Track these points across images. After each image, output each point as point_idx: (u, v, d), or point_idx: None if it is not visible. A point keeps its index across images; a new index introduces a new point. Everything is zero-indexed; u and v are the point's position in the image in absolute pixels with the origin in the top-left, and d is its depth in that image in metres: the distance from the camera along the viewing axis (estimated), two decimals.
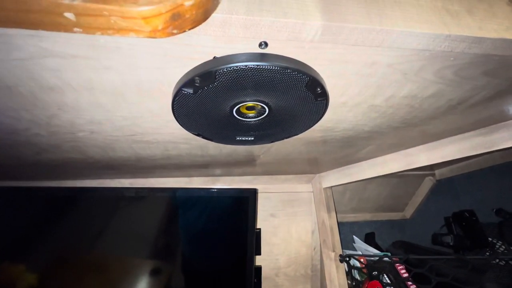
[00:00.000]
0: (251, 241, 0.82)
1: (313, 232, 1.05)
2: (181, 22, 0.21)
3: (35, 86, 0.34)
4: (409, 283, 0.88)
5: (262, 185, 1.03)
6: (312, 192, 1.07)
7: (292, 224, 1.05)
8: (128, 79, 0.33)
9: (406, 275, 0.89)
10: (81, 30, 0.19)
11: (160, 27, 0.20)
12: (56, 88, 0.34)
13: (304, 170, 0.99)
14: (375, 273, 0.87)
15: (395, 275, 0.90)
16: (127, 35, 0.20)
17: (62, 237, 0.80)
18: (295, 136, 0.52)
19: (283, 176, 1.06)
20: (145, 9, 0.19)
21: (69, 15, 0.18)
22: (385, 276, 0.90)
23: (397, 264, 0.91)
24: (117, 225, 0.82)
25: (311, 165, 0.93)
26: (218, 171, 0.92)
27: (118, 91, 0.35)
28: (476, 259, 0.84)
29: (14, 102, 0.37)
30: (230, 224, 0.84)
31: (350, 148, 0.71)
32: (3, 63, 0.29)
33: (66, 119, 0.42)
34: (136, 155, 0.64)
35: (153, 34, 0.20)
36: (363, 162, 0.85)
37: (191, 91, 0.34)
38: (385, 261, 0.92)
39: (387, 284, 0.86)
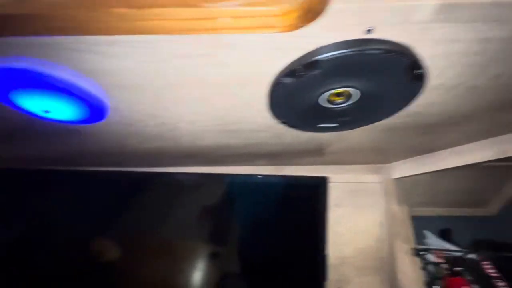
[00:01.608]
0: (321, 229, 0.84)
1: (381, 224, 1.02)
2: (309, 16, 0.24)
3: (158, 83, 0.40)
4: (498, 281, 0.79)
5: (326, 174, 1.03)
6: (381, 182, 1.03)
7: (358, 215, 1.03)
8: (237, 72, 0.37)
9: (494, 274, 0.81)
10: (236, 31, 0.23)
11: (292, 22, 0.23)
12: (175, 84, 0.40)
13: (372, 160, 0.96)
14: (458, 269, 0.81)
15: (480, 273, 0.82)
16: (269, 32, 0.24)
17: (139, 217, 0.91)
18: (376, 123, 0.52)
19: (348, 166, 1.04)
20: (286, 7, 0.22)
21: (227, 19, 0.22)
22: (467, 273, 0.83)
23: (483, 262, 0.83)
24: (187, 209, 0.90)
25: (381, 155, 0.90)
26: (285, 160, 0.95)
27: (225, 84, 0.40)
28: None
29: (138, 97, 0.45)
30: (299, 211, 0.86)
31: (430, 135, 0.67)
32: (147, 64, 0.35)
33: (174, 111, 0.49)
34: (217, 144, 0.71)
35: (287, 29, 0.23)
36: (443, 151, 0.79)
37: (289, 80, 0.36)
38: (467, 258, 0.84)
39: (471, 281, 0.79)
